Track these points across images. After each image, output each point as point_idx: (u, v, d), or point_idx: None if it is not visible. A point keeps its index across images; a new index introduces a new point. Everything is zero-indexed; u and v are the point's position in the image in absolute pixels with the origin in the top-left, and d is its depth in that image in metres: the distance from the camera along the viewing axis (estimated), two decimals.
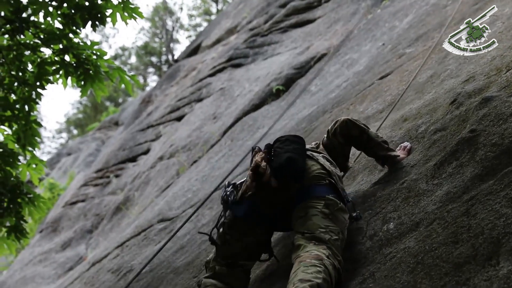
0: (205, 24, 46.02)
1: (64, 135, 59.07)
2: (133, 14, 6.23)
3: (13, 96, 6.33)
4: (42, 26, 6.16)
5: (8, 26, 6.05)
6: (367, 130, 4.02)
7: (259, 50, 15.34)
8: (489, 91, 3.77)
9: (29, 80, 6.27)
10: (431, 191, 3.29)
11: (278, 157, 3.55)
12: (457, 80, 4.55)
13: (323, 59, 11.20)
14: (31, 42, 6.25)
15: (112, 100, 51.23)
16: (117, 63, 6.53)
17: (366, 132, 4.00)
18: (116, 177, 17.13)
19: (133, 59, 56.40)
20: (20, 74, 6.27)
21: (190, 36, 50.33)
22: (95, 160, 23.34)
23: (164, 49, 51.63)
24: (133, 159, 17.37)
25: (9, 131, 6.53)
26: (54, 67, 6.31)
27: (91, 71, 6.37)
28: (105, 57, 6.47)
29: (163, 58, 52.04)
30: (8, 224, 6.36)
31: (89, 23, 6.11)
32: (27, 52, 6.29)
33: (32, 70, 6.36)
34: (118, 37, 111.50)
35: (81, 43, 6.32)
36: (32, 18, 6.14)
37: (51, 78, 6.36)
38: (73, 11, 6.07)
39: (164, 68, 48.88)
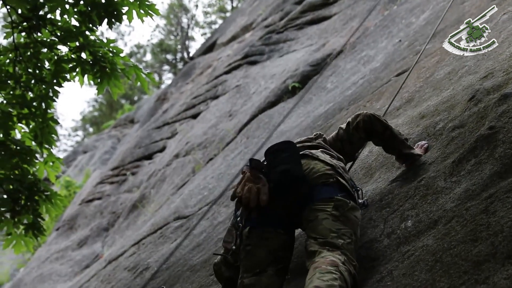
0: (220, 21, 46.05)
1: (80, 133, 59.39)
2: (149, 11, 6.23)
3: (30, 94, 6.35)
4: (59, 23, 6.17)
5: (25, 23, 6.07)
6: (390, 126, 3.94)
7: (274, 47, 15.32)
8: (508, 88, 3.73)
9: (46, 78, 6.29)
10: (450, 188, 3.26)
11: (272, 173, 3.44)
12: (476, 77, 4.51)
13: (339, 56, 11.16)
14: (48, 40, 6.27)
15: (128, 98, 51.43)
16: (132, 60, 6.51)
17: (389, 128, 3.91)
18: (132, 175, 17.19)
19: (148, 57, 56.69)
20: (37, 71, 6.29)
21: (205, 34, 50.44)
22: (111, 158, 23.45)
23: (179, 46, 51.69)
24: (149, 156, 17.43)
25: (26, 129, 6.55)
26: (70, 65, 6.32)
27: (107, 69, 6.38)
28: (121, 55, 6.48)
29: (178, 55, 52.12)
30: (25, 221, 6.38)
31: (105, 20, 6.11)
32: (44, 50, 6.31)
33: (49, 67, 6.38)
34: (133, 35, 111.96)
35: (97, 41, 6.33)
36: (49, 15, 6.15)
37: (67, 75, 6.37)
38: (89, 8, 6.07)
39: (179, 65, 48.97)
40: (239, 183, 3.51)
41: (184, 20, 51.25)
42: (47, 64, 6.42)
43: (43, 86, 6.29)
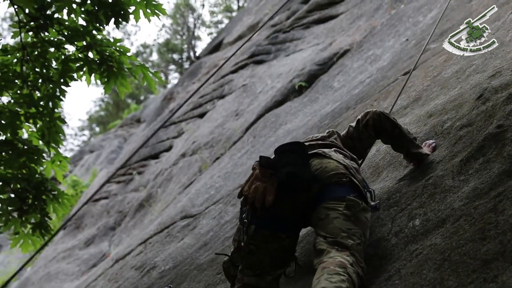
0: (226, 21, 46.06)
1: (87, 132, 59.59)
2: (156, 11, 6.23)
3: (37, 93, 6.37)
4: (66, 23, 6.19)
5: (32, 23, 6.09)
6: (399, 125, 3.92)
7: (281, 47, 15.33)
8: None
9: (53, 77, 6.31)
10: (458, 187, 3.25)
11: (278, 174, 3.39)
12: (483, 75, 4.50)
13: (346, 55, 11.15)
14: (55, 39, 6.28)
15: (134, 98, 51.53)
16: (139, 60, 6.53)
17: (398, 127, 3.89)
18: (139, 174, 17.22)
19: (154, 56, 56.77)
20: (44, 71, 6.30)
21: (211, 33, 50.46)
22: (118, 157, 23.49)
23: (185, 46, 51.76)
24: (155, 156, 17.47)
25: (33, 128, 6.57)
26: (78, 64, 6.34)
27: (114, 68, 6.40)
28: (128, 54, 6.49)
29: (185, 55, 52.19)
30: (33, 220, 6.40)
31: (112, 20, 6.12)
32: (51, 49, 6.33)
33: (56, 67, 6.40)
34: (139, 35, 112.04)
35: (104, 40, 6.34)
36: (56, 15, 6.17)
37: (75, 75, 6.39)
38: (96, 8, 6.09)
39: (186, 65, 49.04)
40: (247, 181, 3.49)
41: (191, 20, 51.34)
42: (54, 63, 6.43)
43: (50, 85, 6.30)
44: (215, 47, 23.32)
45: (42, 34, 6.24)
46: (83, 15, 6.18)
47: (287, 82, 11.87)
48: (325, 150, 3.69)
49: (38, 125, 6.42)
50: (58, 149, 6.64)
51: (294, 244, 3.63)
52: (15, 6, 6.07)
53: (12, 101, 6.24)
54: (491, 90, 3.98)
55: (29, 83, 6.25)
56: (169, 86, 37.54)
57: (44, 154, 6.49)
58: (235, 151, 10.54)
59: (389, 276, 2.95)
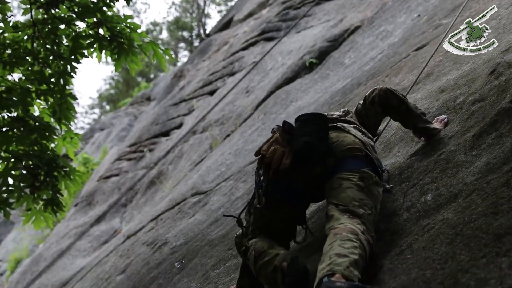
0: None
1: (97, 110, 59.72)
2: None
3: (48, 70, 6.37)
4: None
5: None
6: (406, 100, 3.91)
7: (291, 23, 15.24)
8: None
9: (64, 54, 6.31)
10: (470, 162, 3.24)
11: (296, 141, 3.42)
12: (496, 50, 4.45)
13: (356, 31, 11.08)
14: (66, 16, 6.28)
15: (144, 76, 51.48)
16: (149, 37, 6.51)
17: (405, 103, 3.89)
18: (150, 151, 17.26)
19: (164, 34, 56.57)
20: (55, 47, 6.30)
21: (221, 11, 50.22)
22: (128, 135, 23.55)
23: (195, 23, 51.59)
24: (166, 133, 17.49)
25: (45, 105, 6.59)
26: (88, 41, 6.34)
27: (125, 45, 6.39)
28: (138, 31, 6.48)
29: (195, 33, 52.04)
30: (45, 197, 6.43)
31: None
32: (62, 26, 6.32)
33: (66, 43, 6.39)
34: (149, 12, 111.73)
35: (115, 17, 6.33)
36: None
37: (85, 51, 6.39)
38: None
39: (196, 43, 48.90)
40: (266, 142, 3.51)
41: None
42: (65, 40, 6.43)
43: (61, 62, 6.31)
44: (225, 25, 23.23)
45: (53, 11, 6.23)
46: None
47: (297, 59, 11.82)
48: (345, 125, 3.72)
49: (49, 102, 6.44)
50: (70, 126, 6.66)
51: (304, 214, 3.72)
52: None
53: (23, 78, 6.26)
54: (504, 64, 3.96)
55: (40, 60, 6.25)
56: (179, 64, 37.49)
57: (55, 131, 6.51)
58: (245, 128, 10.53)
59: (400, 250, 2.95)
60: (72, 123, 6.66)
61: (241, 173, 7.58)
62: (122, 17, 6.37)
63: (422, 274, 2.56)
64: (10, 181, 6.19)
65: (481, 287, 2.24)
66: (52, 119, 6.57)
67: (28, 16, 6.27)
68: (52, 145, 6.59)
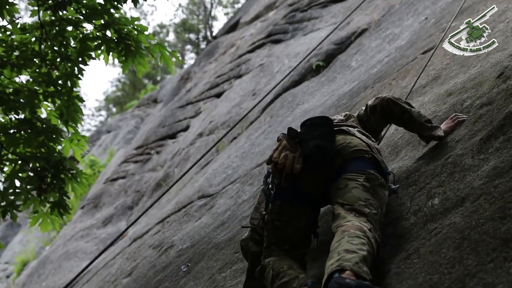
0: (243, 0, 45.86)
1: (104, 112, 59.71)
2: None
3: (56, 72, 6.38)
4: (84, 1, 6.19)
5: (50, 1, 6.10)
6: (409, 109, 3.90)
7: (298, 26, 15.23)
8: None
9: (71, 56, 6.32)
10: (477, 166, 3.22)
11: (305, 145, 3.47)
12: (504, 53, 4.44)
13: (364, 34, 11.06)
14: (73, 18, 6.29)
15: (151, 78, 51.54)
16: (156, 39, 6.55)
17: (407, 112, 3.88)
18: (156, 154, 17.27)
19: (171, 37, 56.62)
20: (63, 49, 6.32)
21: (228, 13, 50.22)
22: (135, 137, 23.56)
23: (202, 26, 51.60)
24: (172, 136, 17.49)
25: (52, 107, 6.60)
26: (96, 43, 6.35)
27: (132, 47, 6.40)
28: (146, 33, 6.49)
29: (201, 35, 52.04)
30: (51, 199, 6.43)
31: None
32: (69, 28, 6.34)
33: (74, 45, 6.41)
34: (156, 15, 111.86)
35: (122, 19, 6.34)
36: None
37: (93, 53, 6.40)
38: None
39: (202, 45, 48.90)
40: (276, 149, 3.54)
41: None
42: (72, 42, 6.45)
43: (69, 64, 6.32)
44: (232, 27, 23.22)
45: (60, 13, 6.24)
46: None
47: (304, 62, 11.81)
48: (350, 128, 3.74)
49: (56, 104, 6.45)
50: (77, 128, 6.67)
51: (317, 219, 3.72)
52: None
53: (31, 80, 6.27)
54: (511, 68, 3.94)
55: (47, 62, 6.26)
56: (185, 66, 37.51)
57: (62, 133, 6.52)
58: (252, 131, 10.52)
59: (407, 255, 2.94)
60: (79, 125, 6.68)
61: (247, 176, 7.58)
62: (130, 19, 6.38)
63: (429, 278, 2.55)
64: (17, 183, 6.21)
65: None
66: (59, 121, 6.59)
67: (35, 18, 6.29)
68: (59, 147, 6.61)
